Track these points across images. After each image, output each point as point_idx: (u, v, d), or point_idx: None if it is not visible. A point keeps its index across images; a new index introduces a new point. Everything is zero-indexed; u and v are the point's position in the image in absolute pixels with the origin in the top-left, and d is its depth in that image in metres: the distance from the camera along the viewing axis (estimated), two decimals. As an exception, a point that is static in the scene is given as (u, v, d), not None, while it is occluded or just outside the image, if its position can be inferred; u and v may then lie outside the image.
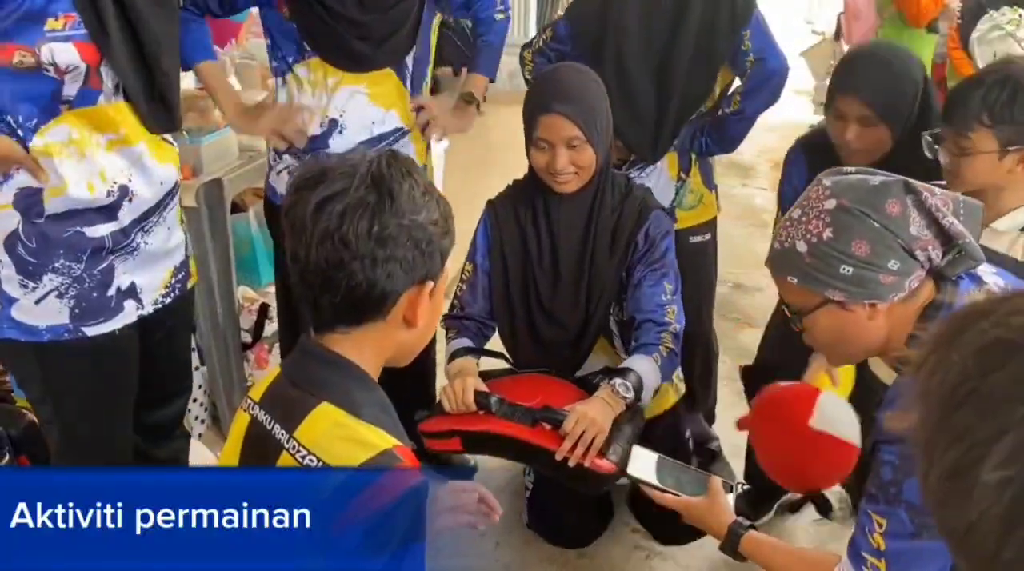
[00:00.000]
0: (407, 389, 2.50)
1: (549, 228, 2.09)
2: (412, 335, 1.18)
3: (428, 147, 2.43)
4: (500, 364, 2.17)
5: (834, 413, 1.70)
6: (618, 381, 1.87)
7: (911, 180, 1.31)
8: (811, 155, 2.20)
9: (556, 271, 2.10)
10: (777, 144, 6.92)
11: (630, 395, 1.86)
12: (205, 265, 2.55)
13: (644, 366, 1.91)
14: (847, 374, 2.11)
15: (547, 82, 2.05)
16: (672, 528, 2.22)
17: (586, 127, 1.95)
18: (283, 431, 1.13)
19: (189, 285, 1.98)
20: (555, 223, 2.08)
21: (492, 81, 2.44)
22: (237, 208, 2.85)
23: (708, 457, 2.43)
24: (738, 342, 3.54)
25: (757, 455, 1.97)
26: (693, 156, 2.47)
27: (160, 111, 1.76)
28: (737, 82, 2.49)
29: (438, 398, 2.48)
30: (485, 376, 2.06)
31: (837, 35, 7.08)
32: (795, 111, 7.85)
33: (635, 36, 2.30)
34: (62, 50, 1.59)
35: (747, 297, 4.00)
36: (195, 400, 2.65)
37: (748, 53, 2.31)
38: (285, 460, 1.12)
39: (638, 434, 1.92)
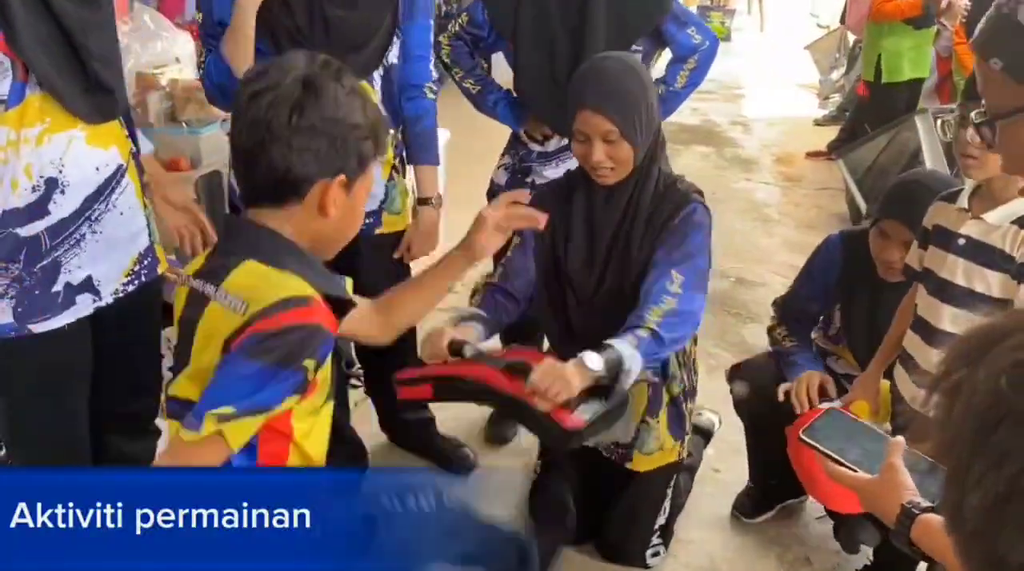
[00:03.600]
0: (389, 372, 2.53)
1: (588, 217, 2.09)
2: (327, 225, 1.30)
3: (398, 156, 2.38)
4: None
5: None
6: (588, 353, 1.81)
7: None
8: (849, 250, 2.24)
9: (591, 260, 2.10)
10: (780, 138, 6.90)
11: (597, 367, 1.80)
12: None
13: (623, 347, 1.86)
14: (885, 402, 2.09)
15: (587, 74, 2.01)
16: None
17: (623, 122, 1.94)
18: (212, 286, 1.26)
19: (159, 271, 1.91)
20: (594, 212, 2.09)
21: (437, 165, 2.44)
22: (237, 199, 2.83)
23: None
24: (741, 337, 3.54)
25: (797, 471, 1.98)
26: None
27: (99, 98, 1.68)
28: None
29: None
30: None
31: (843, 19, 7.11)
32: (800, 106, 7.83)
33: (550, 17, 2.35)
34: None
35: (749, 292, 3.99)
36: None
37: (703, 43, 2.47)
38: (212, 309, 1.24)
39: (620, 412, 1.89)
